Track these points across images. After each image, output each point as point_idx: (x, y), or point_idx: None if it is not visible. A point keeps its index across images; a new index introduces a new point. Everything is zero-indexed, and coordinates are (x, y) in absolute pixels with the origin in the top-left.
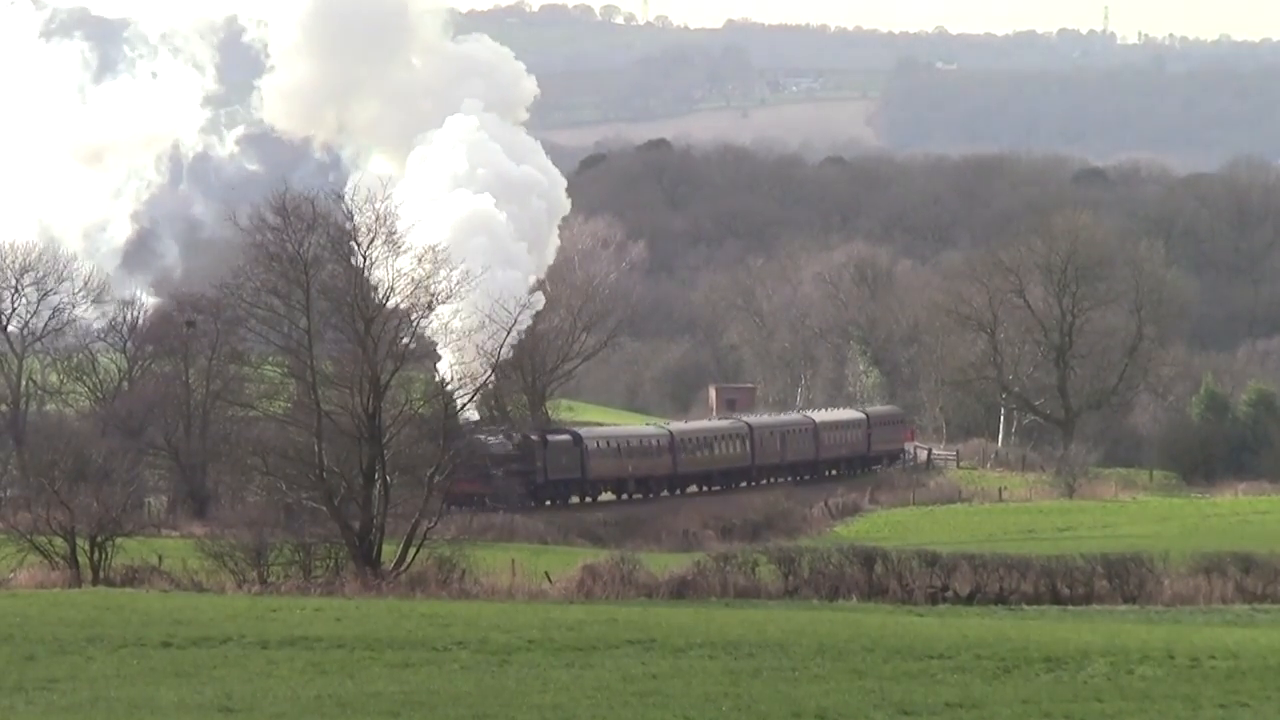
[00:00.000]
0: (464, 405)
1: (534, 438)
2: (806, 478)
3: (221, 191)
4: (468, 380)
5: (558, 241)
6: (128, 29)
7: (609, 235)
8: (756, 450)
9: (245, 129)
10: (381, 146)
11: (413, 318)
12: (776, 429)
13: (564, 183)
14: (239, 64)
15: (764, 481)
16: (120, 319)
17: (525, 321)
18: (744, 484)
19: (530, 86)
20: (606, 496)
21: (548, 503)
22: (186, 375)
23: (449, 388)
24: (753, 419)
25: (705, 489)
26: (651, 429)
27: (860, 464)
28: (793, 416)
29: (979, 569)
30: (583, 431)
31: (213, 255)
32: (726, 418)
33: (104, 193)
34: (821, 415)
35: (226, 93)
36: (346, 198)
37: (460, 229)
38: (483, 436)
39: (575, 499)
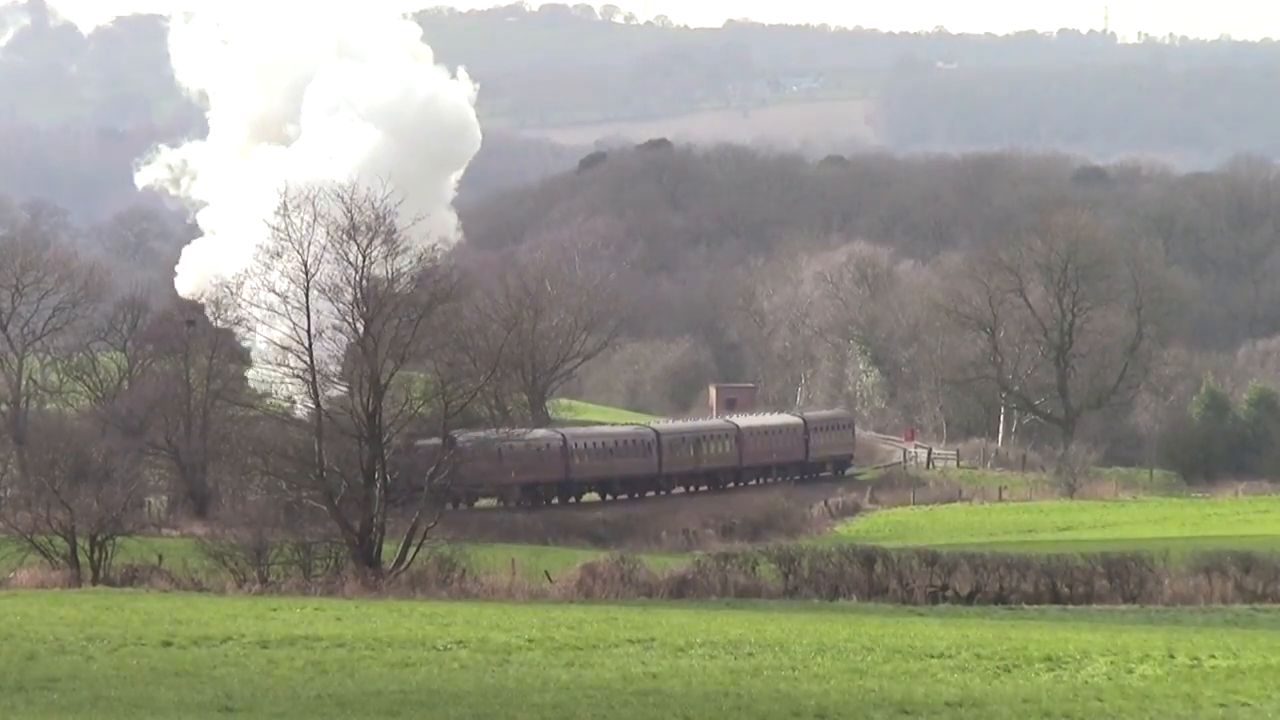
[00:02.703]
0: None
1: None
2: (730, 485)
3: None
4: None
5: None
6: None
7: (609, 234)
8: (664, 457)
9: None
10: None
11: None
12: (688, 435)
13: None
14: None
15: (675, 490)
16: (120, 318)
17: None
18: (650, 493)
19: None
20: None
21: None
22: (187, 374)
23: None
24: (661, 424)
25: (606, 498)
26: (544, 433)
27: (797, 471)
28: (712, 422)
29: (979, 568)
30: (458, 434)
31: None
32: (631, 424)
33: None
34: (746, 420)
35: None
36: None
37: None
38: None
39: (450, 506)
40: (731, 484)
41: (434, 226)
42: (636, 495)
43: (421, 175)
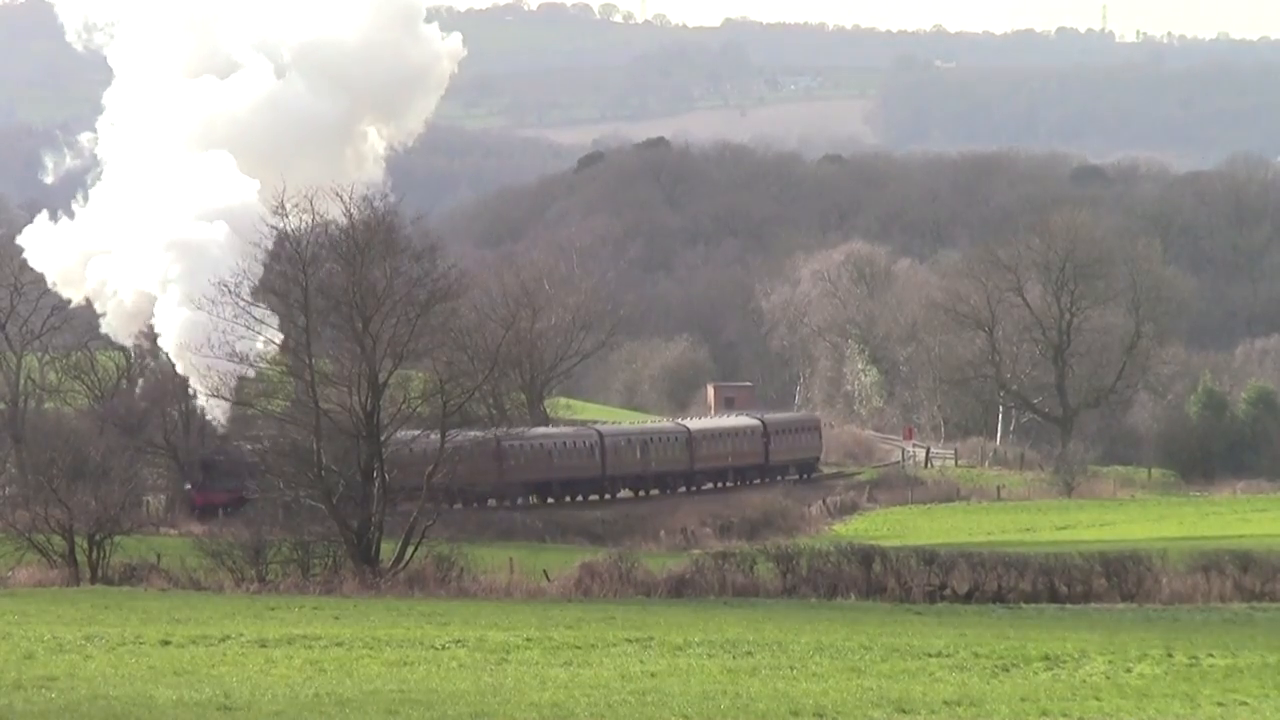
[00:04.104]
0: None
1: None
2: (682, 490)
3: None
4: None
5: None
6: None
7: (607, 233)
8: (607, 459)
9: None
10: None
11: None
12: (635, 437)
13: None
14: None
15: (620, 493)
16: None
17: None
18: (594, 496)
19: None
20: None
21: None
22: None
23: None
24: (606, 427)
25: (545, 500)
26: (477, 434)
27: (756, 475)
28: (661, 424)
29: (977, 567)
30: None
31: None
32: (574, 424)
33: None
34: (699, 422)
35: None
36: None
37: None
38: (240, 443)
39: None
40: (683, 488)
41: (354, 179)
42: (579, 499)
43: (341, 122)
